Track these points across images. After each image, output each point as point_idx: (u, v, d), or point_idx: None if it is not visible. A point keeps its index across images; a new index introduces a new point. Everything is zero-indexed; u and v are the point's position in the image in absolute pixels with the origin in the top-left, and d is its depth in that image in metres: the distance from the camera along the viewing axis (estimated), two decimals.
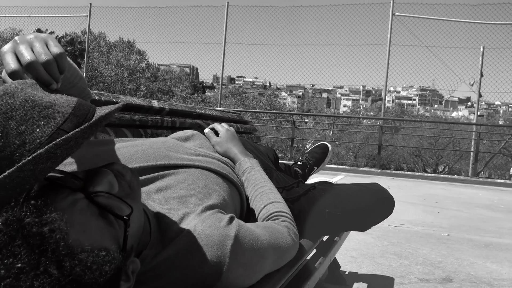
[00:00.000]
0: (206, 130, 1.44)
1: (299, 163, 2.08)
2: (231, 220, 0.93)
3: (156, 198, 0.97)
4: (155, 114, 1.68)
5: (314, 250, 1.58)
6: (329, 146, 2.19)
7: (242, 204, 1.21)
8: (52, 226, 0.58)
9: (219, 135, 1.40)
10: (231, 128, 1.45)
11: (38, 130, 0.63)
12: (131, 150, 1.06)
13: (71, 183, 0.68)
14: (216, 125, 1.46)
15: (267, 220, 1.13)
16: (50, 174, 0.69)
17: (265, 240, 0.97)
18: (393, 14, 11.30)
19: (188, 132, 1.38)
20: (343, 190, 1.48)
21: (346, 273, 2.66)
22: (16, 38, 0.78)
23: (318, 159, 2.14)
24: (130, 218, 0.70)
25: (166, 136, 1.47)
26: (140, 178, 1.00)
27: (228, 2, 12.73)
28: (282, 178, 1.54)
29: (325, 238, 1.76)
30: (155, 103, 1.68)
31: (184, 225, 0.90)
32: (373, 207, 1.46)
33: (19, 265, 0.54)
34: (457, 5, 11.74)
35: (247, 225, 0.96)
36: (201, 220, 0.91)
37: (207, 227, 0.89)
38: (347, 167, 10.21)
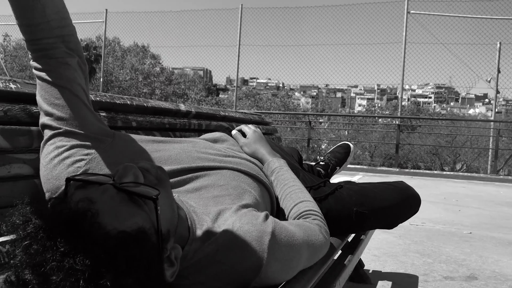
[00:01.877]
0: (234, 132, 1.47)
1: (321, 163, 2.10)
2: (266, 217, 0.96)
3: (192, 197, 1.01)
4: (182, 117, 1.71)
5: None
6: (351, 145, 2.20)
7: (272, 203, 1.24)
8: (83, 209, 0.64)
9: (247, 137, 1.43)
10: (258, 129, 1.48)
11: None
12: (165, 154, 1.10)
13: (99, 180, 0.74)
14: (243, 127, 1.49)
15: (298, 219, 1.16)
16: (81, 177, 0.75)
17: (299, 237, 0.99)
18: (408, 12, 11.24)
19: (216, 134, 1.42)
20: (369, 189, 1.50)
21: (370, 271, 2.67)
22: None
23: (340, 159, 2.14)
24: (159, 199, 0.74)
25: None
26: (176, 179, 1.04)
27: (242, 5, 12.78)
28: (309, 177, 1.56)
29: (351, 237, 1.78)
30: (182, 107, 1.72)
31: (222, 221, 0.93)
32: (400, 204, 1.48)
33: (62, 249, 0.60)
34: (473, 1, 11.66)
35: (282, 222, 0.99)
36: (238, 217, 0.94)
37: (245, 224, 0.92)
38: (364, 166, 10.18)
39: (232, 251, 0.88)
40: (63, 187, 0.75)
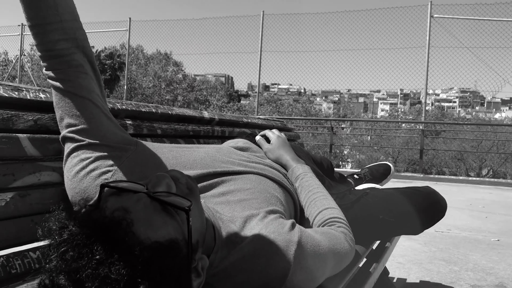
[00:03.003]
0: (258, 137, 1.47)
1: (355, 176, 2.06)
2: (293, 226, 0.96)
3: (218, 202, 1.01)
4: (206, 124, 1.73)
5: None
6: (392, 168, 2.14)
7: (296, 210, 1.23)
8: (119, 218, 0.65)
9: (271, 142, 1.42)
10: (282, 134, 1.47)
11: None
12: (189, 159, 1.11)
13: (133, 187, 0.75)
14: (267, 132, 1.48)
15: (323, 226, 1.15)
16: (115, 184, 0.76)
17: (325, 245, 0.99)
18: (431, 16, 11.10)
19: (239, 143, 1.42)
20: (395, 195, 1.48)
21: (395, 279, 2.64)
22: None
23: (377, 177, 2.09)
24: (191, 210, 0.75)
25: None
26: (201, 184, 1.04)
27: (263, 11, 12.82)
28: (334, 185, 1.55)
29: (376, 243, 1.76)
30: (206, 114, 1.73)
31: (248, 229, 0.93)
32: (425, 210, 1.46)
33: (97, 257, 0.60)
34: (498, 4, 11.42)
35: (308, 231, 0.99)
36: (264, 225, 0.94)
37: (271, 232, 0.92)
38: None
39: (258, 260, 0.89)
40: (96, 195, 0.76)
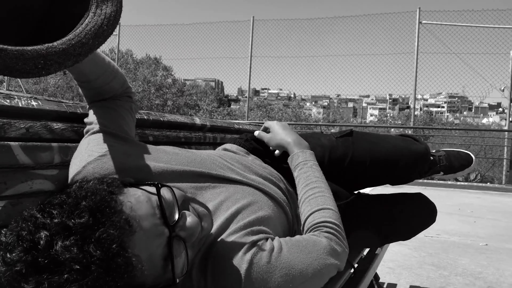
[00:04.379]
0: (256, 133, 1.44)
1: (430, 157, 1.66)
2: (252, 244, 0.93)
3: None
4: (197, 130, 1.73)
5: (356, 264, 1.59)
6: (474, 160, 1.76)
7: (289, 228, 1.18)
8: (128, 260, 0.70)
9: (271, 129, 1.39)
10: (283, 122, 1.45)
11: None
12: (189, 156, 1.09)
13: (169, 212, 0.81)
14: (266, 123, 1.44)
15: (310, 231, 1.07)
16: (162, 193, 0.82)
17: (297, 263, 0.94)
18: (419, 23, 11.22)
19: (240, 152, 1.39)
20: (397, 208, 1.45)
21: (385, 284, 2.65)
22: None
23: (452, 167, 1.72)
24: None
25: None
26: (194, 184, 1.03)
27: (253, 17, 12.87)
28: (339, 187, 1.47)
29: (366, 250, 1.77)
30: (197, 120, 1.73)
31: (219, 246, 0.93)
32: (418, 217, 1.47)
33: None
34: (485, 11, 11.57)
35: (283, 252, 0.94)
36: (231, 243, 0.93)
37: (232, 250, 0.91)
38: None
39: (217, 278, 0.89)
40: (84, 163, 0.92)
